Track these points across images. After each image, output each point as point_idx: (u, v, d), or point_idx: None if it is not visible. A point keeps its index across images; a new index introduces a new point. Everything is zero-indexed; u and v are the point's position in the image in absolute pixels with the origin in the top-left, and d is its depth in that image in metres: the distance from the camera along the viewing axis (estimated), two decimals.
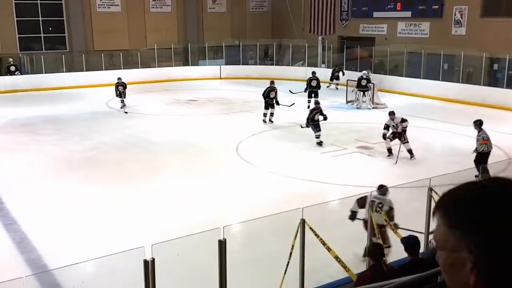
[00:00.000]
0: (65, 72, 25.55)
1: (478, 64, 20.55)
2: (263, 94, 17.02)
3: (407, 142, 12.46)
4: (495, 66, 21.20)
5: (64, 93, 23.25)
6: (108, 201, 9.95)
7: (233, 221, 8.03)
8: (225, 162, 12.58)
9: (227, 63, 28.70)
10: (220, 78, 27.99)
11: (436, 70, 22.00)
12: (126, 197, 10.13)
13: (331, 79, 24.47)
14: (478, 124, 10.89)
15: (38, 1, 26.61)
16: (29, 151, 13.60)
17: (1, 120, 17.55)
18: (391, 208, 7.24)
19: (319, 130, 13.85)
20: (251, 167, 12.23)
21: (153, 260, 4.70)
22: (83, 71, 25.53)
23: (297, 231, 5.86)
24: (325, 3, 29.00)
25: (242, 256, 7.22)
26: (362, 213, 7.28)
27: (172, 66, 27.81)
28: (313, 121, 13.93)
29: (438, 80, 21.79)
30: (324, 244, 5.98)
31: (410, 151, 12.42)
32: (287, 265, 5.94)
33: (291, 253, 5.93)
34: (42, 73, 24.75)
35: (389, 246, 6.95)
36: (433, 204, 4.37)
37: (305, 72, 26.04)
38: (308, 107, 18.06)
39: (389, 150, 12.64)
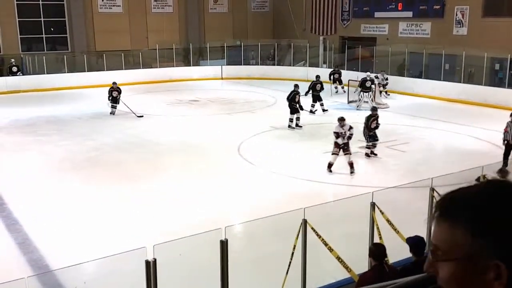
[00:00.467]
0: (67, 72, 25.61)
1: (479, 64, 20.52)
2: (287, 98, 16.14)
3: (350, 153, 11.44)
4: (497, 66, 21.20)
5: (66, 94, 23.29)
6: (110, 201, 9.96)
7: (233, 221, 8.03)
8: (226, 162, 12.58)
9: (228, 64, 28.69)
10: (222, 79, 27.98)
11: (438, 70, 21.99)
12: (127, 197, 10.15)
13: (334, 81, 23.11)
14: None
15: (40, 2, 26.67)
16: (31, 152, 13.62)
17: (3, 121, 17.57)
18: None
19: (377, 140, 12.67)
20: (251, 167, 12.23)
21: (154, 261, 4.70)
22: (84, 71, 25.56)
23: (299, 231, 5.86)
24: (326, 3, 28.98)
25: (244, 256, 7.22)
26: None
27: (173, 66, 27.81)
28: (370, 129, 12.59)
29: (440, 80, 21.78)
30: (326, 244, 5.98)
31: (351, 165, 11.35)
32: (289, 265, 5.94)
33: (293, 253, 5.93)
34: (44, 73, 24.79)
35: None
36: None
37: (306, 72, 26.05)
38: (311, 111, 17.97)
39: (330, 165, 11.45)
